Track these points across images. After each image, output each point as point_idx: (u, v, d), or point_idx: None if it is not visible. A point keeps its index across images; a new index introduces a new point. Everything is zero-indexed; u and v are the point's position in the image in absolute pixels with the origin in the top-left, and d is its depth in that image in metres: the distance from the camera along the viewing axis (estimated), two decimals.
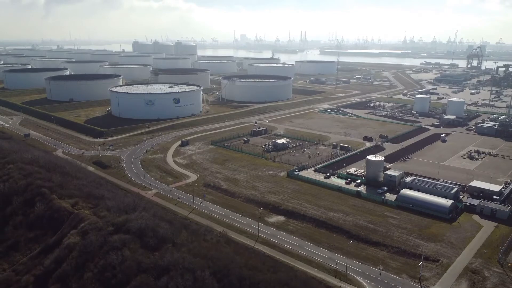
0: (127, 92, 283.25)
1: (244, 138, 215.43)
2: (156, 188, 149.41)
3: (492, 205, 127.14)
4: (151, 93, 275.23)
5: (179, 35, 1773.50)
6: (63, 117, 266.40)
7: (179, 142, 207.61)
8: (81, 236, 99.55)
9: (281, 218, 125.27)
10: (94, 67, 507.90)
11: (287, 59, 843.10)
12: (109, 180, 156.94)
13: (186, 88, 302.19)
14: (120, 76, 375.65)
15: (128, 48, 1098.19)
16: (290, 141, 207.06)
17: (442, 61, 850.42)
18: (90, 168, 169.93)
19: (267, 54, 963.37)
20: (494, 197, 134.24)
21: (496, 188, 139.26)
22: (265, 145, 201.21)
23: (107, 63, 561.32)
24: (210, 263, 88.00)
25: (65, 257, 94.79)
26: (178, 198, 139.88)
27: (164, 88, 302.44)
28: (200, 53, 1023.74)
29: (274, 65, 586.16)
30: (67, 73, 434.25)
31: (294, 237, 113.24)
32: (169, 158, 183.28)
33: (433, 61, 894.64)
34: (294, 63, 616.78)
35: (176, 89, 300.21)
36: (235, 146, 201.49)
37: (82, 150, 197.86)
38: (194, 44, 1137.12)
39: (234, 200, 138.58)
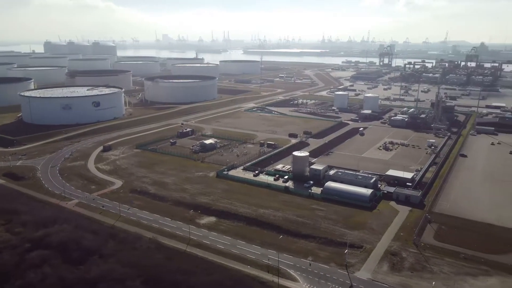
0: (40, 97, 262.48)
1: (171, 140, 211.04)
2: (77, 197, 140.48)
3: (406, 191, 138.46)
4: (67, 97, 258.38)
5: (96, 35, 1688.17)
6: None
7: (101, 148, 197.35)
8: None
9: (213, 218, 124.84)
10: (1, 70, 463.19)
11: (211, 59, 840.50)
12: (23, 192, 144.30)
13: (106, 91, 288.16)
14: (31, 79, 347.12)
15: (40, 49, 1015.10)
16: (218, 141, 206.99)
17: (361, 59, 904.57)
18: (0, 181, 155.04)
19: (191, 54, 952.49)
20: (407, 184, 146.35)
21: (409, 175, 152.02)
22: (193, 146, 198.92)
23: (15, 66, 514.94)
24: (141, 271, 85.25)
25: None
26: (103, 207, 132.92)
27: (82, 91, 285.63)
28: (120, 53, 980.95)
29: (199, 65, 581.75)
30: None
31: (226, 237, 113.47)
32: (91, 165, 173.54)
33: (353, 59, 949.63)
34: (218, 63, 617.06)
35: (95, 91, 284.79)
36: (161, 149, 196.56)
37: None
38: (113, 45, 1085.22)
39: (163, 204, 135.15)
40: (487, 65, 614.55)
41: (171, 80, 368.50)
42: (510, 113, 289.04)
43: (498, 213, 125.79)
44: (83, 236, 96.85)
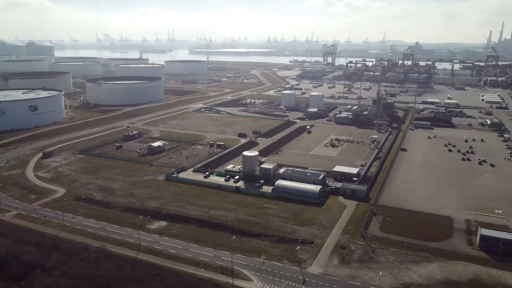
0: None
1: (117, 143, 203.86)
2: (16, 208, 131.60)
3: (353, 186, 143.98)
4: (0, 101, 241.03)
5: (31, 35, 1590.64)
6: None
7: (40, 154, 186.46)
8: None
9: (163, 223, 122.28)
10: None
11: (156, 59, 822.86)
12: None
13: (44, 94, 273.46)
14: None
15: None
16: (166, 143, 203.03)
17: (307, 59, 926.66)
18: None
19: (135, 55, 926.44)
20: (353, 179, 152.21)
21: (354, 171, 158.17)
22: (140, 149, 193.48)
23: None
24: (89, 282, 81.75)
25: None
26: (45, 217, 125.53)
27: (17, 95, 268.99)
28: (58, 54, 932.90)
29: (143, 65, 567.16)
30: None
31: (178, 241, 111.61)
32: (30, 173, 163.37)
33: (300, 58, 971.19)
34: (164, 63, 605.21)
35: (32, 95, 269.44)
36: (107, 153, 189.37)
37: None
38: (50, 45, 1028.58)
39: (110, 211, 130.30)
40: (422, 63, 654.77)
41: (114, 82, 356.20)
42: (443, 108, 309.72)
43: (436, 203, 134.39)
44: (23, 249, 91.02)
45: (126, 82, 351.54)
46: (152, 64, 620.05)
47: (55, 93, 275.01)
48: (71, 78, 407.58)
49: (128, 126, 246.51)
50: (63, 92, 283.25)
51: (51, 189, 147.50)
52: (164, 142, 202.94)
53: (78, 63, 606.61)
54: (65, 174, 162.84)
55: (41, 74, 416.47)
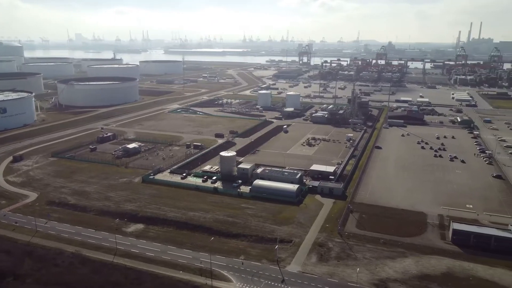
0: None
1: (91, 146, 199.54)
2: None
3: (329, 184, 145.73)
4: None
5: None
6: None
7: (10, 158, 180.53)
8: None
9: (140, 226, 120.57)
10: None
11: (130, 59, 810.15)
12: None
13: (13, 96, 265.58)
14: None
15: None
16: (142, 144, 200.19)
17: (283, 58, 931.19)
18: None
19: (108, 55, 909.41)
20: (330, 177, 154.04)
21: (331, 169, 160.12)
22: (115, 151, 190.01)
23: None
24: None
25: None
26: (16, 223, 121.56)
27: None
28: (28, 54, 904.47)
29: (117, 66, 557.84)
30: None
31: (156, 244, 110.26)
32: None
33: (276, 58, 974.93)
34: (138, 64, 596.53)
35: (0, 97, 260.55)
36: (80, 156, 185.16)
37: None
38: (19, 45, 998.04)
39: (85, 215, 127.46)
40: (395, 62, 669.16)
41: (88, 83, 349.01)
42: (416, 106, 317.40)
43: (410, 199, 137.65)
44: None
45: (99, 83, 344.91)
46: (126, 64, 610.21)
47: (25, 94, 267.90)
48: (42, 79, 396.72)
49: (102, 128, 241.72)
50: (33, 94, 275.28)
51: (22, 194, 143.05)
52: (139, 143, 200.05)
53: (49, 63, 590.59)
54: (37, 178, 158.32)
55: (10, 75, 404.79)
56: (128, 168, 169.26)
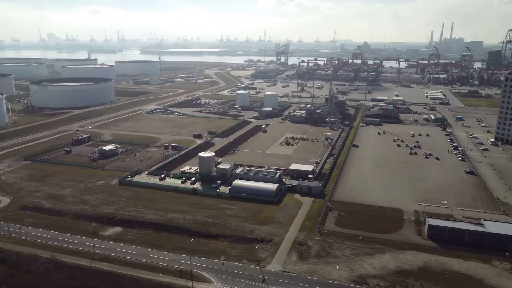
0: None
1: (65, 148, 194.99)
2: None
3: (308, 183, 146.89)
4: None
5: None
6: None
7: None
8: None
9: (118, 229, 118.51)
10: None
11: (105, 59, 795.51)
12: None
13: None
14: None
15: None
16: (119, 146, 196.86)
17: (261, 58, 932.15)
18: None
19: (82, 55, 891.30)
20: (309, 176, 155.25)
21: (309, 168, 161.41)
22: (90, 153, 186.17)
23: None
24: None
25: None
26: None
27: None
28: None
29: (92, 66, 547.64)
30: None
31: (134, 246, 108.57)
32: None
33: (254, 58, 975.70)
34: (114, 64, 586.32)
35: None
36: (55, 159, 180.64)
37: None
38: None
39: (61, 219, 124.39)
40: (370, 62, 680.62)
41: (61, 84, 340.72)
42: (391, 105, 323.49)
43: (387, 196, 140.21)
44: None
45: (74, 83, 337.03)
46: (101, 64, 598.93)
47: None
48: (13, 80, 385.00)
49: (77, 130, 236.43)
50: (4, 96, 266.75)
51: None
52: (116, 145, 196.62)
53: (20, 64, 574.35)
54: (10, 182, 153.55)
55: None
56: (105, 171, 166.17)
